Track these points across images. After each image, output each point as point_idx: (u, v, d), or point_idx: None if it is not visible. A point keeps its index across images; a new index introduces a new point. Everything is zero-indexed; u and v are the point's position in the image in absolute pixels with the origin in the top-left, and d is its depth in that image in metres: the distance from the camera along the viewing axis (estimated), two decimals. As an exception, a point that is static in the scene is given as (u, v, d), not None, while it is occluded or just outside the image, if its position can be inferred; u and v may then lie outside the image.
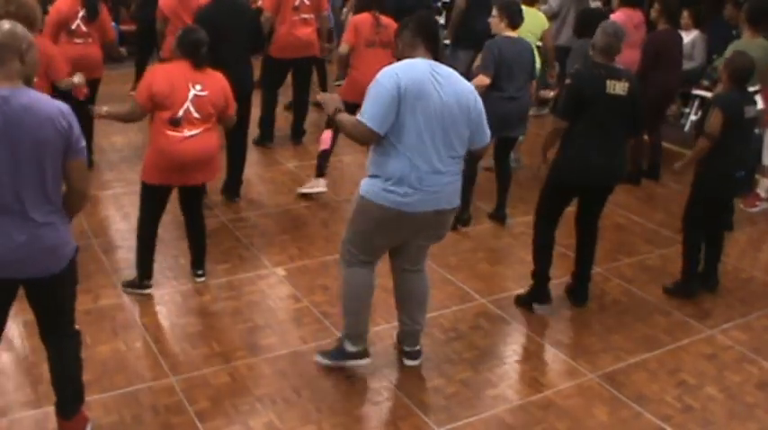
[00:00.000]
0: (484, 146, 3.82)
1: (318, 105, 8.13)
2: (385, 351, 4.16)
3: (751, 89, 5.27)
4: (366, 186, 3.64)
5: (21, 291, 3.08)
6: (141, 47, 8.11)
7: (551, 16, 7.96)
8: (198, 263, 4.79)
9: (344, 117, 3.69)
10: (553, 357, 4.28)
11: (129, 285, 4.66)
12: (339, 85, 6.41)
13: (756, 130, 5.52)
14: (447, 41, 7.72)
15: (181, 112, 4.30)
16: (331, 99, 3.84)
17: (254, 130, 6.31)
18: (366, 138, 3.57)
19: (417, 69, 3.53)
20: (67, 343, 3.25)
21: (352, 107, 3.61)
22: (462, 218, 5.74)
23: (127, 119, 4.46)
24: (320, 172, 6.13)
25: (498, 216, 5.91)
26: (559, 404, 3.84)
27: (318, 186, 6.12)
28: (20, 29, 2.91)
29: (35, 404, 3.58)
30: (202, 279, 4.78)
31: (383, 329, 4.34)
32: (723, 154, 4.63)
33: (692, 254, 4.92)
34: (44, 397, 3.50)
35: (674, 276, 5.07)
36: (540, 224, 4.66)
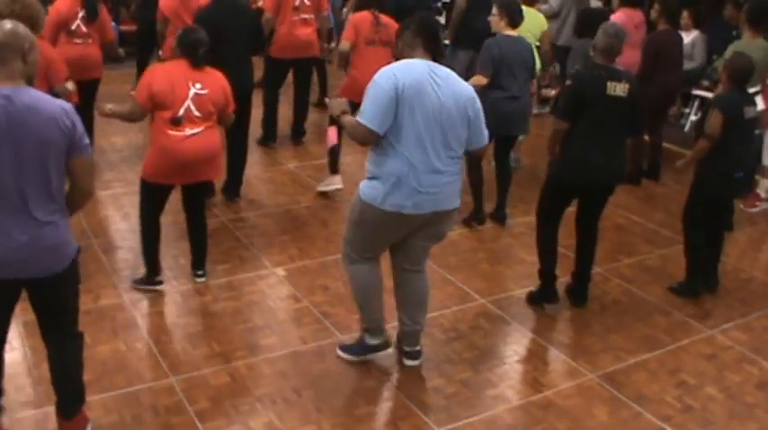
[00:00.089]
0: (482, 147, 3.83)
1: (318, 105, 8.15)
2: (384, 353, 4.16)
3: (752, 90, 5.27)
4: (365, 188, 3.65)
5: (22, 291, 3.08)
6: (142, 47, 8.11)
7: (551, 16, 7.97)
8: (198, 263, 4.79)
9: (347, 119, 3.72)
10: (553, 357, 4.28)
11: (139, 282, 4.67)
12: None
13: (757, 131, 5.52)
14: (447, 42, 7.72)
15: (181, 111, 4.30)
16: (337, 102, 3.89)
17: (254, 130, 6.31)
18: (366, 139, 3.57)
19: (416, 70, 3.53)
20: (70, 343, 3.25)
21: (354, 106, 3.62)
22: (478, 217, 5.77)
23: (127, 119, 4.45)
24: (333, 168, 6.14)
25: (498, 216, 5.91)
26: (559, 404, 3.84)
27: (334, 183, 6.13)
28: (22, 28, 2.91)
29: (35, 404, 3.58)
30: (202, 279, 4.78)
31: (383, 329, 4.35)
32: (723, 154, 4.63)
33: (693, 254, 4.92)
34: (44, 397, 3.50)
35: (674, 276, 5.07)
36: (542, 224, 4.66)
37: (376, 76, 3.54)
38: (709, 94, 7.44)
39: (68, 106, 2.92)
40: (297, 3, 6.72)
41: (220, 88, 4.47)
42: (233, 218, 5.78)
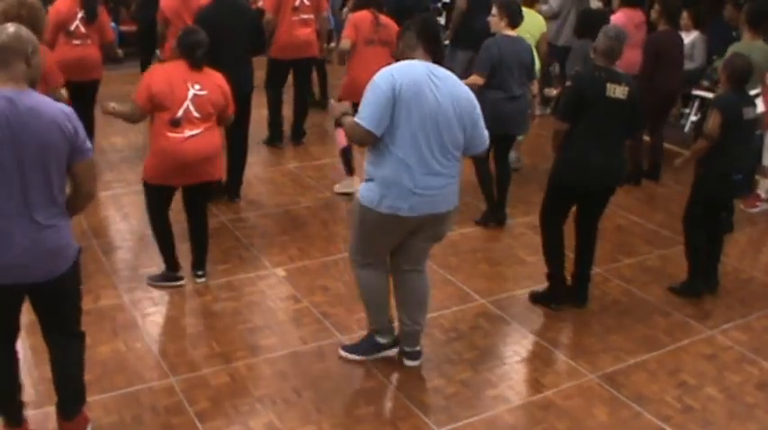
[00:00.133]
0: (482, 150, 3.84)
1: (318, 106, 8.15)
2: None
3: (753, 92, 5.27)
4: (363, 191, 3.67)
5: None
6: (143, 47, 8.11)
7: (551, 17, 7.97)
8: (199, 263, 4.79)
9: (348, 119, 3.75)
10: (553, 358, 4.28)
11: (157, 279, 4.68)
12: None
13: (757, 132, 5.53)
14: (447, 42, 7.72)
15: (180, 112, 4.30)
16: (339, 105, 3.92)
17: (254, 131, 6.31)
18: (364, 139, 3.59)
19: (414, 71, 3.53)
20: (72, 343, 3.25)
21: (353, 107, 3.64)
22: (495, 216, 5.78)
23: (128, 119, 4.45)
24: (349, 170, 6.14)
25: (498, 216, 5.91)
26: (559, 404, 3.84)
27: (353, 185, 6.12)
28: (25, 32, 2.92)
29: (35, 404, 3.57)
30: (203, 279, 4.78)
31: (383, 330, 4.35)
32: (722, 154, 4.64)
33: (693, 253, 4.92)
34: (45, 396, 3.50)
35: (674, 277, 5.07)
36: (546, 226, 4.67)
37: (375, 77, 3.55)
38: (710, 95, 7.44)
39: (70, 110, 2.93)
40: (296, 3, 6.73)
41: (220, 89, 4.47)
42: (233, 218, 5.78)
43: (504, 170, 5.89)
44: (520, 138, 6.34)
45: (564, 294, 4.70)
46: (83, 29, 5.92)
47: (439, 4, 10.62)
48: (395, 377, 4.00)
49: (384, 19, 6.09)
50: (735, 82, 4.66)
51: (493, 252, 5.51)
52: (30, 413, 3.51)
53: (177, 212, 4.79)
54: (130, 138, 7.18)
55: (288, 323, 4.45)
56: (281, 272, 5.01)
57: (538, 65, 6.11)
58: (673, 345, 4.42)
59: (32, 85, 2.92)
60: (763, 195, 6.54)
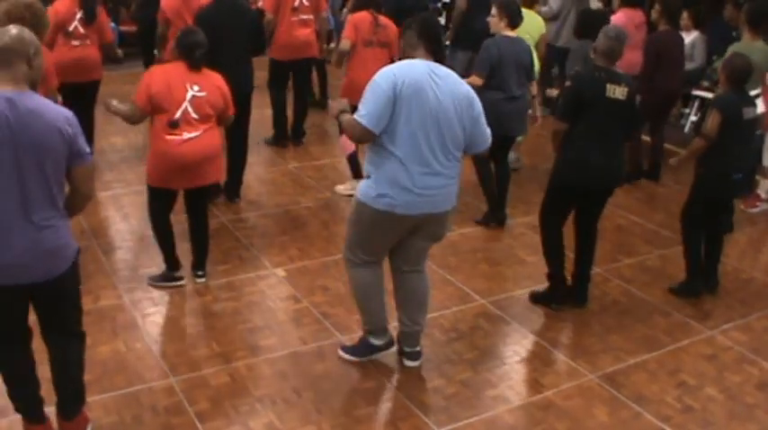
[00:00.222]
0: (485, 149, 3.83)
1: (318, 106, 8.15)
2: (385, 351, 4.16)
3: (753, 93, 5.27)
4: (362, 188, 3.67)
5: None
6: (144, 48, 8.10)
7: (551, 17, 7.97)
8: (199, 264, 4.79)
9: (345, 117, 3.74)
10: (553, 358, 4.28)
11: (158, 279, 4.69)
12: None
13: (757, 132, 5.53)
14: (447, 42, 7.72)
15: (179, 114, 4.30)
16: (337, 102, 3.91)
17: (254, 131, 6.31)
18: (362, 137, 3.59)
19: (416, 70, 3.53)
20: (72, 343, 3.25)
21: (353, 108, 3.64)
22: (496, 217, 5.78)
23: (127, 119, 4.45)
24: (356, 174, 6.12)
25: (498, 217, 5.91)
26: (559, 404, 3.84)
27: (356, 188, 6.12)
28: (27, 33, 2.92)
29: (35, 404, 3.58)
30: (203, 280, 4.78)
31: (383, 330, 4.35)
32: (722, 154, 4.64)
33: (692, 253, 4.92)
34: (45, 397, 3.49)
35: (673, 277, 5.07)
36: (546, 226, 4.67)
37: (376, 75, 3.55)
38: (710, 95, 7.45)
39: (70, 113, 2.93)
40: (296, 3, 6.73)
41: (218, 90, 4.47)
42: (233, 218, 5.78)
43: (504, 170, 5.89)
44: (519, 138, 6.34)
45: (564, 294, 4.70)
46: (82, 29, 5.91)
47: (439, 4, 10.62)
48: (395, 377, 4.00)
49: (383, 20, 6.09)
50: (734, 82, 4.66)
51: (493, 252, 5.51)
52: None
53: (178, 212, 4.79)
54: (130, 138, 7.18)
55: (288, 323, 4.45)
56: (281, 272, 5.01)
57: (537, 66, 6.11)
58: (673, 346, 4.42)
59: (33, 86, 2.93)
60: (763, 195, 6.55)
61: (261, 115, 7.08)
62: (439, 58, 3.68)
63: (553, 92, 6.99)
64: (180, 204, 4.69)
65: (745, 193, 6.30)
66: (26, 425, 3.28)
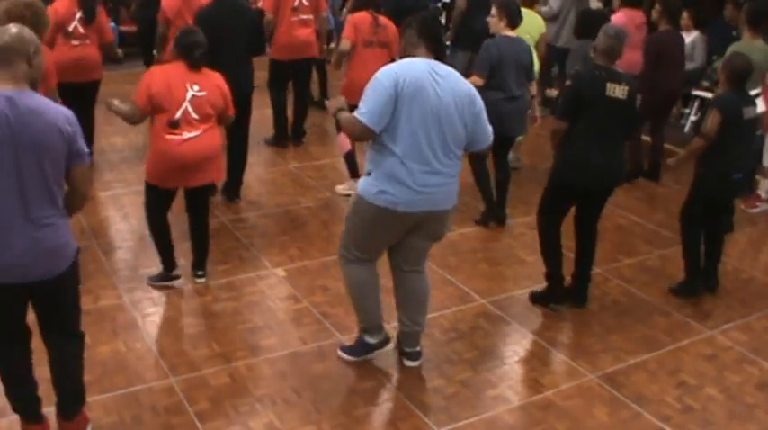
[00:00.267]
0: (487, 146, 3.83)
1: (318, 106, 8.15)
2: (385, 351, 4.15)
3: (753, 92, 5.27)
4: (362, 184, 3.67)
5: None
6: (144, 48, 8.10)
7: (551, 18, 7.97)
8: (199, 264, 4.79)
9: (344, 115, 3.74)
10: (553, 358, 4.28)
11: (155, 279, 4.68)
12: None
13: (758, 132, 5.53)
14: (447, 42, 7.72)
15: (179, 113, 4.30)
16: (335, 100, 3.91)
17: (254, 131, 6.31)
18: (362, 135, 3.60)
19: (416, 68, 3.53)
20: (72, 343, 3.25)
21: (352, 108, 3.64)
22: (495, 215, 5.78)
23: (128, 119, 4.45)
24: (354, 173, 6.13)
25: (498, 217, 5.91)
26: (559, 404, 3.84)
27: (356, 187, 6.10)
28: (27, 32, 2.92)
29: (35, 404, 3.58)
30: (203, 280, 4.78)
31: (383, 330, 4.35)
32: (722, 154, 4.63)
33: (692, 253, 4.92)
34: (45, 397, 3.49)
35: (673, 277, 5.07)
36: (544, 225, 4.67)
37: (377, 74, 3.55)
38: (710, 95, 7.44)
39: (70, 113, 2.93)
40: (295, 3, 6.72)
41: (218, 90, 4.47)
42: (233, 218, 5.78)
43: (504, 170, 5.89)
44: (519, 138, 6.34)
45: (562, 294, 4.70)
46: (81, 29, 5.91)
47: (439, 4, 10.61)
48: (395, 377, 4.00)
49: (383, 20, 6.08)
50: (734, 81, 4.66)
51: (493, 252, 5.51)
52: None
53: (178, 213, 4.79)
54: (130, 138, 7.17)
55: (288, 323, 4.45)
56: (281, 272, 5.01)
57: (537, 66, 6.11)
58: (673, 345, 4.42)
59: (33, 85, 2.93)
60: (763, 195, 6.54)
61: (261, 115, 7.08)
62: (440, 57, 3.68)
63: (553, 92, 6.99)
64: (180, 204, 4.69)
65: (746, 193, 6.30)
66: (24, 425, 3.28)
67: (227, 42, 5.35)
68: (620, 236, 5.84)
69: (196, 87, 4.34)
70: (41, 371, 3.26)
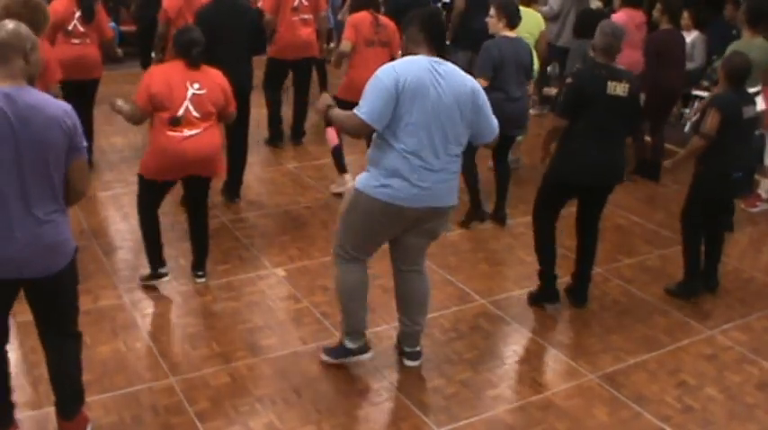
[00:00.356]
0: (493, 139, 3.82)
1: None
2: (385, 351, 4.16)
3: (752, 90, 5.27)
4: (362, 180, 3.66)
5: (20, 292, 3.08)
6: (143, 48, 8.09)
7: (552, 17, 7.97)
8: (199, 264, 4.79)
9: (336, 112, 3.72)
10: (553, 358, 4.28)
11: (145, 278, 4.68)
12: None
13: (758, 131, 5.52)
14: (447, 42, 7.72)
15: (180, 112, 4.30)
16: (322, 98, 3.86)
17: (254, 131, 6.31)
18: (359, 131, 3.61)
19: (417, 66, 3.53)
20: (69, 342, 3.25)
21: (351, 106, 3.61)
22: (477, 214, 5.76)
23: (129, 119, 4.45)
24: (341, 169, 6.12)
25: (498, 216, 5.91)
26: (559, 404, 3.84)
27: (346, 182, 6.11)
28: (24, 29, 2.92)
29: (35, 404, 3.58)
30: (203, 280, 4.78)
31: (383, 330, 4.34)
32: (722, 153, 4.63)
33: (692, 254, 4.91)
34: (44, 397, 3.50)
35: (673, 277, 5.07)
36: (539, 223, 4.67)
37: (378, 71, 3.54)
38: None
39: (69, 107, 2.94)
40: (296, 3, 6.73)
41: (219, 87, 4.47)
42: (233, 218, 5.78)
43: (504, 170, 5.89)
44: (519, 138, 6.34)
45: (555, 292, 4.67)
46: (81, 28, 5.92)
47: (439, 4, 10.61)
48: (395, 377, 4.00)
49: (383, 19, 6.08)
50: (733, 81, 4.66)
51: (493, 252, 5.51)
52: (30, 413, 3.53)
53: (178, 214, 4.80)
54: (130, 139, 7.17)
55: (288, 323, 4.45)
56: (281, 272, 5.01)
57: (536, 64, 6.10)
58: (673, 345, 4.42)
59: (30, 81, 2.93)
60: (763, 195, 6.55)
61: (261, 115, 7.09)
62: (442, 54, 3.66)
63: (551, 90, 6.99)
64: (177, 207, 4.69)
65: (746, 193, 6.30)
66: None
67: (227, 42, 5.35)
68: (620, 236, 5.84)
69: (196, 85, 4.34)
70: (42, 371, 3.26)
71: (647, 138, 6.95)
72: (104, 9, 6.36)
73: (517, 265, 5.28)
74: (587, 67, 4.53)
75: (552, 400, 3.87)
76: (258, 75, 6.12)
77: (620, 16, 6.90)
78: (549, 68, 8.58)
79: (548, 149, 4.73)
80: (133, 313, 4.44)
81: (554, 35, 7.89)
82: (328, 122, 5.84)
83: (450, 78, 3.56)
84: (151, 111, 4.35)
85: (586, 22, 6.26)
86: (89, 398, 3.46)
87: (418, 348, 4.06)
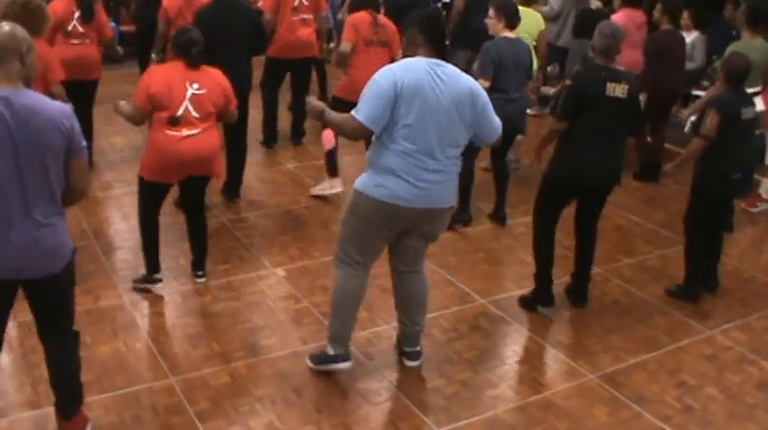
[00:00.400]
0: (495, 139, 3.81)
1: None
2: (385, 351, 4.16)
3: (752, 90, 5.27)
4: (361, 180, 3.66)
5: (20, 292, 3.08)
6: (141, 48, 8.09)
7: (552, 17, 7.97)
8: (198, 264, 4.79)
9: (332, 115, 3.69)
10: (553, 358, 4.28)
11: (138, 281, 4.67)
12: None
13: (758, 131, 5.52)
14: (447, 42, 7.71)
15: (180, 111, 4.30)
16: (314, 104, 3.74)
17: (254, 131, 6.31)
18: (357, 133, 3.60)
19: (415, 68, 3.52)
20: (68, 342, 3.25)
21: (352, 106, 3.61)
22: (462, 218, 5.74)
23: (129, 120, 4.45)
24: (333, 172, 6.11)
25: (498, 217, 5.91)
26: (559, 404, 3.84)
27: (335, 187, 6.09)
28: (20, 31, 2.92)
29: (35, 404, 3.58)
30: (203, 280, 4.78)
31: (383, 330, 4.35)
32: (721, 154, 4.63)
33: (694, 256, 4.91)
34: (44, 397, 3.51)
35: (673, 277, 5.07)
36: (539, 224, 4.66)
37: (376, 74, 3.54)
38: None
39: (67, 108, 2.93)
40: (295, 3, 6.72)
41: (219, 87, 4.46)
42: (233, 218, 5.78)
43: (503, 171, 5.89)
44: (519, 138, 6.34)
45: (550, 296, 4.65)
46: (80, 28, 5.91)
47: (438, 4, 10.62)
48: (395, 377, 4.00)
49: (382, 19, 6.08)
50: (732, 81, 4.66)
51: (493, 252, 5.51)
52: (29, 413, 3.53)
53: (178, 213, 4.80)
54: (130, 139, 7.17)
55: (288, 323, 4.45)
56: (281, 272, 5.01)
57: (536, 65, 6.10)
58: (673, 345, 4.42)
59: (27, 83, 2.93)
60: (763, 195, 6.54)
61: (260, 115, 7.09)
62: (442, 56, 3.66)
63: (549, 90, 6.98)
64: (174, 206, 4.69)
65: (746, 193, 6.29)
66: None
67: (227, 42, 5.35)
68: (620, 236, 5.84)
69: (196, 85, 4.34)
70: (41, 371, 3.26)
71: (648, 139, 6.94)
72: (104, 9, 6.36)
73: (517, 265, 5.28)
74: (586, 69, 4.53)
75: (552, 400, 3.87)
76: (258, 75, 6.12)
77: (619, 16, 6.90)
78: (548, 68, 8.57)
79: (540, 154, 4.73)
80: (133, 313, 4.44)
81: (554, 35, 7.89)
82: (325, 125, 5.85)
83: (450, 80, 3.55)
84: (151, 112, 4.35)
85: (586, 23, 6.25)
86: (89, 398, 3.46)
87: (418, 348, 4.06)
